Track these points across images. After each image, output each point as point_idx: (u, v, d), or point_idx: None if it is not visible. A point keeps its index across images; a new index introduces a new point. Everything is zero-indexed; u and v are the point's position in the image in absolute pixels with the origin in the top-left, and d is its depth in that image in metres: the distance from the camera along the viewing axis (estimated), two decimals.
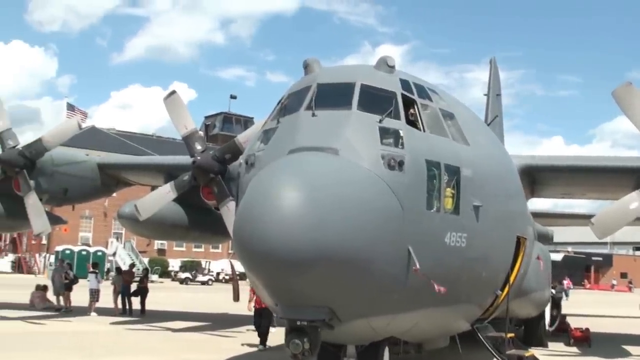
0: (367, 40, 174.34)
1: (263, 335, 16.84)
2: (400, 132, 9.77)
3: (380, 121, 9.72)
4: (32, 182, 20.26)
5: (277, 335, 15.92)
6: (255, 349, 16.58)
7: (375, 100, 10.01)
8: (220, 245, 63.76)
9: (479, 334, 12.74)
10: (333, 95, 10.09)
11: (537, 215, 21.03)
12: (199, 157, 18.28)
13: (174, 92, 18.68)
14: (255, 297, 16.85)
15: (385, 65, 10.63)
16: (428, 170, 9.83)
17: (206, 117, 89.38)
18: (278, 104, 10.90)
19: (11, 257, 62.97)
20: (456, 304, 11.15)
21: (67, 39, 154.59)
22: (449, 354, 13.55)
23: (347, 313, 9.10)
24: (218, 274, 59.27)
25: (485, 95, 28.60)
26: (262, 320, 16.82)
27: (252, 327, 17.11)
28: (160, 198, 18.73)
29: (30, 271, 59.70)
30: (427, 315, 10.38)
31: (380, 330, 9.96)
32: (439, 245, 9.97)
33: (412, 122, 10.16)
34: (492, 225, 11.29)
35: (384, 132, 9.67)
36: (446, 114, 10.98)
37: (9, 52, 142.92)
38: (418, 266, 9.23)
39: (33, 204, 20.18)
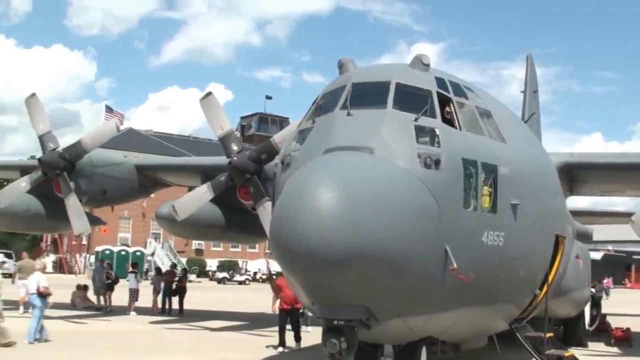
0: (403, 39, 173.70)
1: (296, 332, 16.68)
2: (436, 130, 9.72)
3: (416, 120, 9.68)
4: (72, 184, 20.61)
5: (312, 335, 15.99)
6: (291, 347, 16.54)
7: (410, 99, 9.97)
8: (257, 245, 64.06)
9: (518, 334, 12.61)
10: (368, 95, 10.08)
11: (576, 213, 20.77)
12: (235, 158, 18.40)
13: (210, 93, 18.82)
14: (282, 298, 16.64)
15: (420, 63, 10.58)
16: (465, 169, 9.76)
17: (242, 118, 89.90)
18: (313, 104, 10.92)
19: (52, 257, 64.11)
20: (494, 303, 11.06)
21: (105, 42, 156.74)
22: (487, 354, 13.42)
23: (384, 312, 9.08)
24: (255, 273, 59.60)
25: (521, 92, 28.30)
26: (291, 321, 16.62)
27: (288, 326, 16.89)
28: (197, 198, 18.90)
29: (71, 271, 60.71)
30: (464, 314, 10.30)
31: (417, 329, 9.92)
32: (477, 244, 9.90)
33: (448, 121, 10.10)
34: (530, 224, 11.17)
35: (420, 131, 9.63)
36: (482, 112, 10.89)
37: (49, 57, 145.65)
38: (455, 265, 9.18)
39: (73, 205, 20.51)
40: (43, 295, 16.67)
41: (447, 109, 10.28)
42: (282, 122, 79.91)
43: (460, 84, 10.93)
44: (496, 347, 12.56)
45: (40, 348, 15.60)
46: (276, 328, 16.55)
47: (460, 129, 10.14)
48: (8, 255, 44.35)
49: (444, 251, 9.22)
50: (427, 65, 10.60)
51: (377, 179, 8.75)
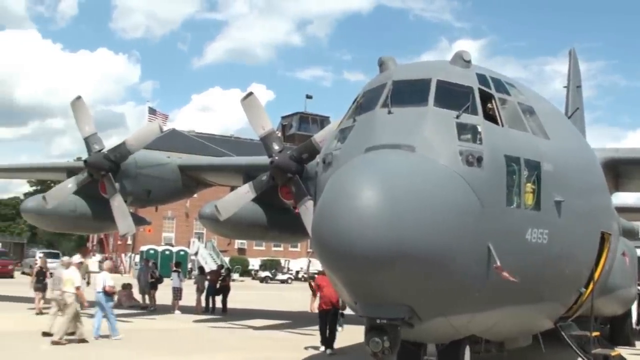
0: (444, 36, 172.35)
1: (330, 337, 16.25)
2: (478, 127, 9.65)
3: (458, 117, 9.62)
4: (117, 185, 20.94)
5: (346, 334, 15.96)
6: (340, 345, 16.38)
7: (451, 96, 9.91)
8: (299, 244, 64.25)
9: (563, 333, 12.44)
10: (409, 92, 10.05)
11: (622, 210, 20.36)
12: (276, 157, 18.49)
13: (251, 93, 18.94)
14: (321, 298, 16.27)
15: (461, 60, 10.51)
16: (507, 166, 9.67)
17: (283, 118, 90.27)
18: (354, 102, 10.93)
19: (99, 257, 65.18)
20: (538, 301, 10.94)
21: (149, 45, 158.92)
22: (531, 353, 13.29)
23: (427, 311, 9.05)
24: (297, 272, 59.75)
25: (564, 87, 27.91)
26: (328, 322, 16.21)
27: None
28: (239, 198, 19.04)
29: (116, 270, 61.66)
30: (508, 313, 10.21)
31: (461, 328, 9.86)
32: (520, 242, 9.79)
33: (490, 117, 10.02)
34: (575, 221, 11.01)
35: (462, 128, 9.57)
36: (525, 108, 10.77)
37: (95, 60, 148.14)
38: (499, 263, 9.10)
39: (118, 205, 20.85)
40: (109, 293, 17.26)
41: (489, 105, 10.21)
42: (323, 121, 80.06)
43: (502, 80, 10.83)
44: (541, 346, 12.43)
45: (91, 346, 15.94)
46: (318, 327, 16.54)
47: (503, 126, 10.05)
48: (56, 255, 45.19)
49: (487, 249, 9.14)
50: (468, 62, 10.52)
51: (418, 177, 8.72)
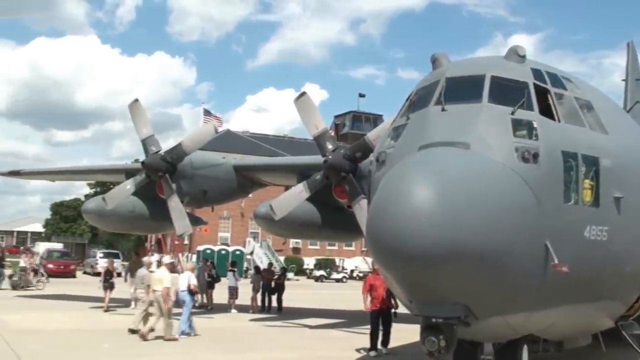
0: (498, 32, 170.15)
1: (385, 338, 16.00)
2: (534, 123, 9.51)
3: (513, 113, 9.50)
4: (173, 185, 21.27)
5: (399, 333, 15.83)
6: (390, 345, 16.27)
7: (506, 92, 9.79)
8: (353, 243, 64.10)
9: (624, 332, 12.13)
10: (462, 89, 9.96)
11: None
12: (330, 157, 18.52)
13: (304, 93, 19.01)
14: (375, 297, 15.96)
15: (516, 55, 10.37)
16: (564, 162, 9.50)
17: (336, 117, 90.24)
18: (407, 100, 10.88)
19: (157, 257, 66.26)
20: (598, 300, 10.70)
21: (204, 47, 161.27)
22: (591, 352, 13.02)
23: (483, 310, 8.95)
24: (352, 271, 59.71)
25: (623, 80, 27.23)
26: (382, 322, 16.00)
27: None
28: (293, 198, 19.13)
29: (174, 270, 62.53)
30: (566, 312, 10.03)
31: (518, 327, 9.73)
32: (578, 239, 9.61)
33: (546, 113, 9.86)
34: (636, 217, 10.74)
35: (517, 124, 9.44)
36: (582, 103, 10.56)
37: (152, 63, 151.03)
38: (556, 261, 8.95)
39: (175, 206, 21.18)
40: (192, 292, 17.94)
41: (545, 100, 10.05)
42: (376, 120, 79.67)
43: (557, 75, 10.65)
44: (601, 345, 12.17)
45: (151, 344, 16.27)
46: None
47: (559, 121, 9.89)
48: (115, 255, 46.20)
49: (544, 247, 9.00)
50: (523, 57, 10.38)
51: (473, 174, 8.64)
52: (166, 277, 16.80)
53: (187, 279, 17.96)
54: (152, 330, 16.66)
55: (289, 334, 19.31)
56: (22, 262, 34.44)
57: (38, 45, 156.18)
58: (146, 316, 17.34)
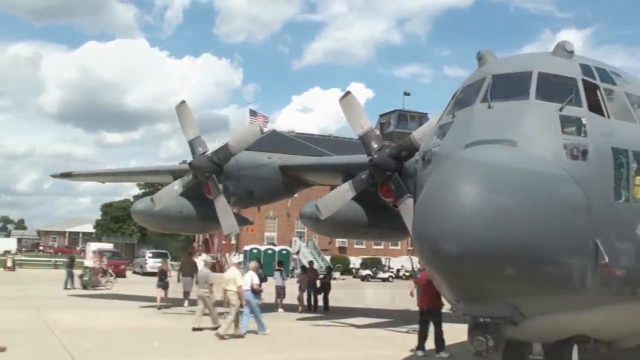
0: (546, 27, 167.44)
1: (438, 339, 15.62)
2: (583, 119, 9.35)
3: (561, 109, 9.35)
4: (220, 186, 21.44)
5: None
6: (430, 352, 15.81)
7: (554, 88, 9.65)
8: (399, 243, 63.91)
9: None
10: (509, 86, 9.85)
11: None
12: (375, 156, 18.46)
13: (349, 92, 18.97)
14: (424, 294, 15.71)
15: (563, 50, 10.21)
16: (614, 159, 9.32)
17: (381, 116, 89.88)
18: (452, 98, 10.80)
19: (205, 256, 66.94)
20: None
21: (250, 48, 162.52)
22: None
23: (531, 309, 8.83)
24: (398, 270, 59.44)
25: None
26: (433, 322, 15.75)
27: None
28: (339, 197, 19.13)
29: (222, 270, 63.11)
30: (617, 311, 9.82)
31: (567, 327, 9.57)
32: (630, 237, 9.41)
33: (595, 109, 9.68)
34: None
35: (565, 121, 9.29)
36: (633, 98, 10.34)
37: (199, 65, 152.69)
38: (607, 260, 8.78)
39: (222, 206, 21.36)
40: (256, 292, 18.18)
41: (594, 96, 9.87)
42: (421, 118, 79.12)
43: (607, 70, 10.45)
44: None
45: (196, 341, 16.44)
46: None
47: (609, 117, 9.70)
48: (164, 255, 46.81)
49: (594, 245, 8.83)
50: (571, 52, 10.21)
51: (521, 172, 8.54)
52: (238, 276, 17.41)
53: (250, 278, 18.15)
54: (230, 327, 17.13)
55: (335, 333, 19.33)
56: (91, 262, 35.73)
57: (89, 49, 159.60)
58: (216, 316, 18.19)
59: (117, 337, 17.00)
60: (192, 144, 21.99)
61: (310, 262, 34.20)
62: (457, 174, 8.54)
